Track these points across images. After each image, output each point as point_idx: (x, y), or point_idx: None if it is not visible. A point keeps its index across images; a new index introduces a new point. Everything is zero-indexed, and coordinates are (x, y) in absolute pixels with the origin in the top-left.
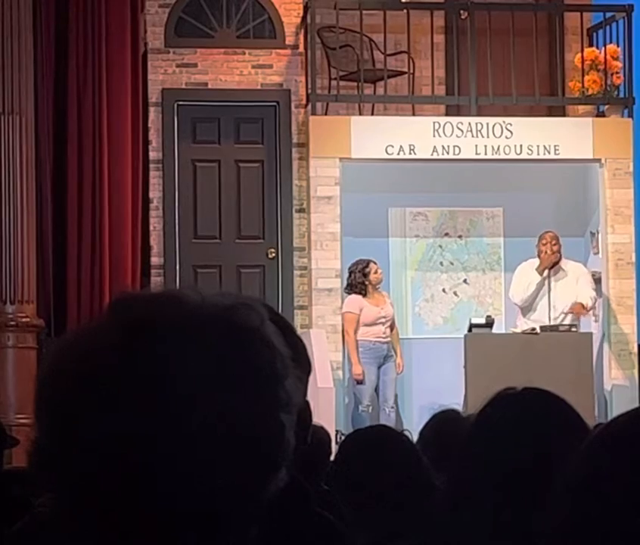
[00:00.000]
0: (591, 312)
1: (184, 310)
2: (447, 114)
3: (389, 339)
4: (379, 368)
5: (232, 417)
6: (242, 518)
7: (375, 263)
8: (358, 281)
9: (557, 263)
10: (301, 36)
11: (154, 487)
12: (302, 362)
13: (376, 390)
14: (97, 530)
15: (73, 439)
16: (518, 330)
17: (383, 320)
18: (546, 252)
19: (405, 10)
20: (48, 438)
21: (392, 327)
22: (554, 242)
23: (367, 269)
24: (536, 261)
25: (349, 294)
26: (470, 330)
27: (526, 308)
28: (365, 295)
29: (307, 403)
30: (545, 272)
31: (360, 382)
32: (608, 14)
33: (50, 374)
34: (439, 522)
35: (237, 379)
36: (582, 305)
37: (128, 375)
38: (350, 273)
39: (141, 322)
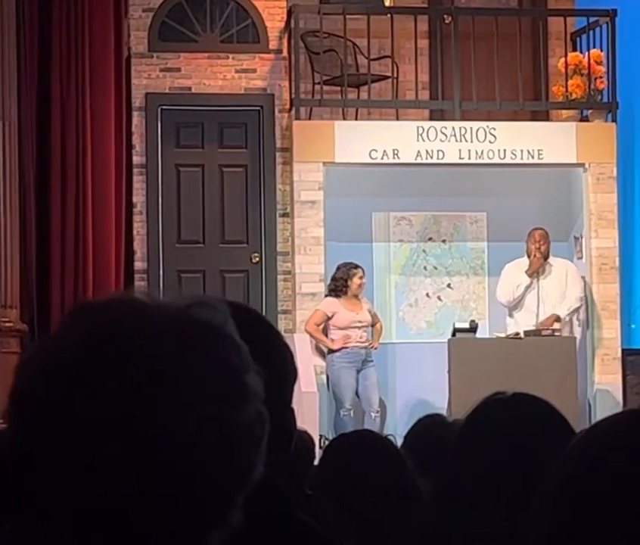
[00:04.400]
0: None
1: (142, 313)
2: (431, 119)
3: (367, 344)
4: (358, 372)
5: (197, 415)
6: (217, 516)
7: (363, 272)
8: (342, 277)
9: (545, 260)
10: (285, 41)
11: (132, 488)
12: (288, 369)
13: (356, 394)
14: (77, 531)
15: (46, 444)
16: (502, 334)
17: (358, 324)
18: (535, 254)
19: (388, 15)
20: (23, 444)
21: (374, 324)
22: (542, 241)
23: (352, 272)
24: (523, 261)
25: (329, 292)
26: (453, 334)
27: (513, 307)
28: (343, 295)
29: (291, 409)
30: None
31: (337, 350)
32: (592, 19)
33: (19, 383)
34: (425, 526)
35: (199, 375)
36: (557, 317)
37: (93, 381)
38: (337, 269)
39: (103, 328)
